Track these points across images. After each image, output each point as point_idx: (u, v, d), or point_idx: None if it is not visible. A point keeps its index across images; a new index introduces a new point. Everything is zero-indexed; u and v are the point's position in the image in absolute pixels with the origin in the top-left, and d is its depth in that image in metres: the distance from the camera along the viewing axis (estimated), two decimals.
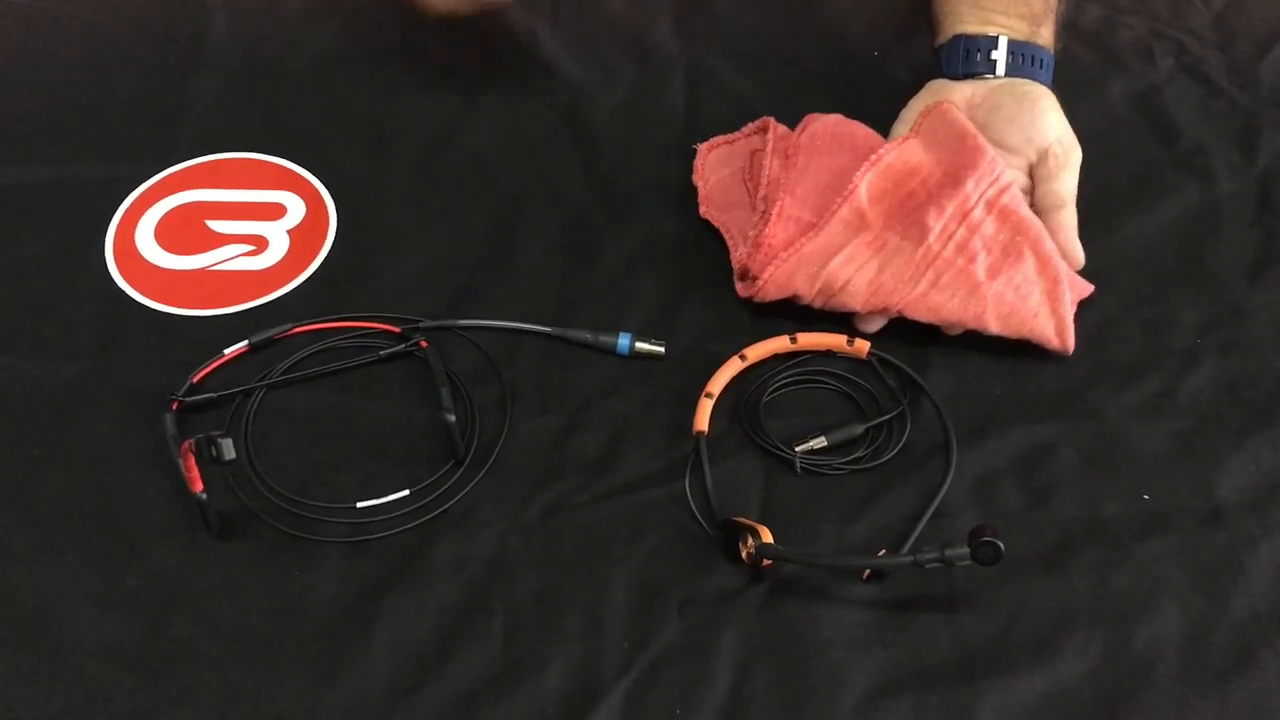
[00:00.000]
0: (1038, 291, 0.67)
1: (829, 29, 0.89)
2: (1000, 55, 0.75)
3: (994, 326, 0.67)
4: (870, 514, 0.63)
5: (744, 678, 0.57)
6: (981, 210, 0.68)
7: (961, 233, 0.67)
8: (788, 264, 0.68)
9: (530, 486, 0.64)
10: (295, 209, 0.76)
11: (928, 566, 0.57)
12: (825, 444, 0.65)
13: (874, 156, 0.70)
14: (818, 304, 0.69)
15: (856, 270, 0.68)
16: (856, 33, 0.89)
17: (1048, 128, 0.73)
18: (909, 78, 0.84)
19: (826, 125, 0.75)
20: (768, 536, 0.59)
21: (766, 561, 0.59)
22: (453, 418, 0.63)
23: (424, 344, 0.68)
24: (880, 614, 0.59)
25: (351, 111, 0.82)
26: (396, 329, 0.69)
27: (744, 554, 0.59)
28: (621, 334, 0.69)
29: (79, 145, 0.80)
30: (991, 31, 0.76)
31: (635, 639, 0.58)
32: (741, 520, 0.60)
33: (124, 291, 0.72)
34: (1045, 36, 0.77)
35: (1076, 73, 0.85)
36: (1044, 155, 0.73)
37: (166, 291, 0.72)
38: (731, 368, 0.67)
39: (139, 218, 0.75)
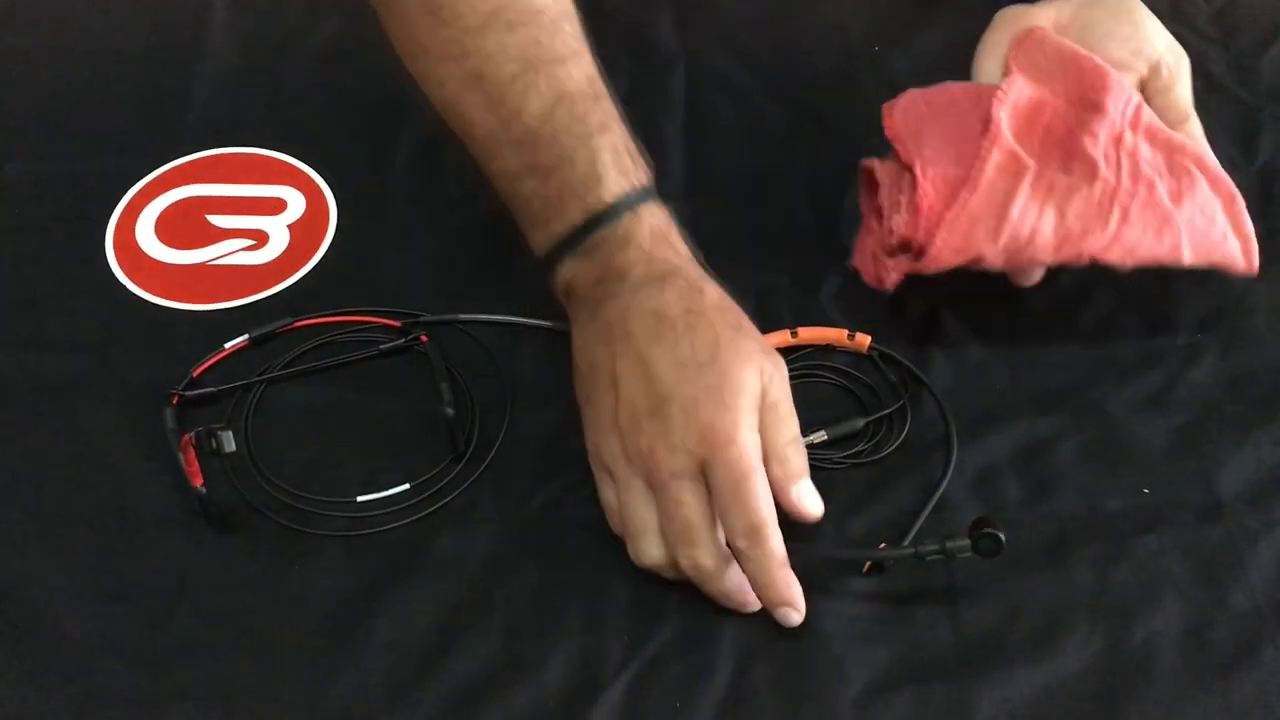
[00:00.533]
0: (1219, 210, 0.65)
1: (830, 25, 0.89)
2: None
3: (1188, 258, 0.64)
4: (869, 509, 0.63)
5: (743, 672, 0.57)
6: (1130, 133, 0.64)
7: (1126, 159, 0.64)
8: (960, 223, 0.63)
9: (531, 482, 0.64)
10: (295, 204, 0.76)
11: (928, 559, 0.57)
12: (825, 438, 0.65)
13: (999, 93, 0.66)
14: (999, 264, 0.64)
15: (1038, 218, 0.63)
16: (858, 29, 0.89)
17: (1154, 36, 0.69)
18: (910, 73, 0.84)
19: (916, 98, 0.70)
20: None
21: None
22: (453, 412, 0.63)
23: (424, 338, 0.68)
24: (880, 608, 0.59)
25: (352, 106, 0.82)
26: (397, 323, 0.69)
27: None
28: None
29: (79, 140, 0.80)
30: None
31: (635, 634, 0.58)
32: None
33: (124, 286, 0.72)
34: None
35: None
36: (1155, 68, 0.68)
37: (166, 286, 0.72)
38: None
39: (139, 212, 0.75)
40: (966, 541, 0.56)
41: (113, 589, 0.59)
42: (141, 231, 0.74)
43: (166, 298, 0.71)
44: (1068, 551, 0.61)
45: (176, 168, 0.78)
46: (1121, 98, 0.65)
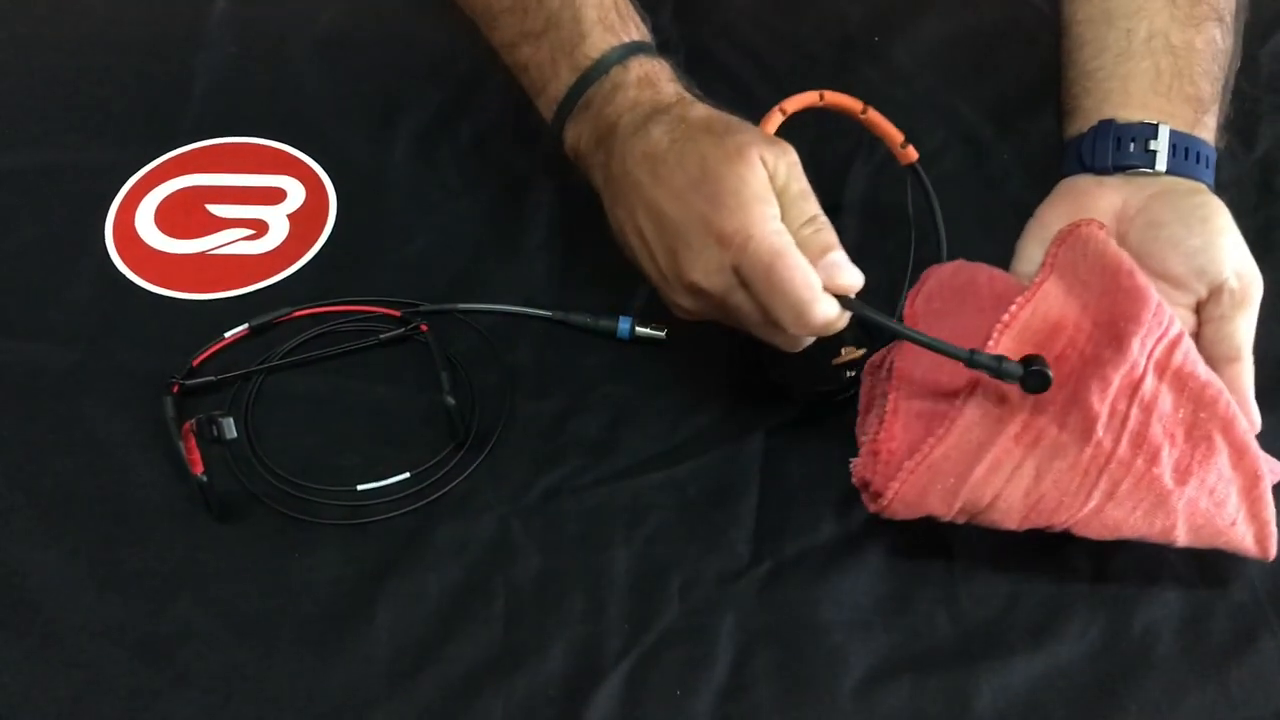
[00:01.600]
0: (1234, 492, 0.56)
1: (830, 14, 0.89)
2: (1161, 147, 0.63)
3: (1183, 540, 0.56)
4: None
5: (744, 660, 0.57)
6: (1153, 379, 0.55)
7: (1136, 416, 0.55)
8: (916, 476, 0.55)
9: (531, 470, 0.64)
10: (295, 193, 0.76)
11: (980, 366, 0.55)
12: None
13: (1006, 315, 0.58)
14: (960, 521, 0.57)
15: (1007, 481, 0.55)
16: (857, 18, 0.89)
17: (1227, 254, 0.59)
18: (910, 64, 0.85)
19: (943, 279, 0.63)
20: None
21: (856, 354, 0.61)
22: (453, 401, 0.63)
23: (424, 328, 0.68)
24: (879, 597, 0.59)
25: (352, 96, 0.82)
26: (397, 313, 0.69)
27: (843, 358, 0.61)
28: (622, 318, 0.69)
29: (79, 129, 0.80)
30: (1149, 118, 0.64)
31: (636, 621, 0.58)
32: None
33: (124, 275, 0.72)
34: (1209, 127, 0.65)
35: None
36: (1217, 292, 0.59)
37: (166, 275, 0.72)
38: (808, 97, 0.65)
39: (139, 202, 0.75)
40: (1020, 368, 0.54)
41: (112, 577, 0.59)
42: (141, 221, 0.74)
43: (166, 287, 0.71)
44: (1067, 540, 0.61)
45: (176, 157, 0.78)
46: (1155, 332, 0.56)
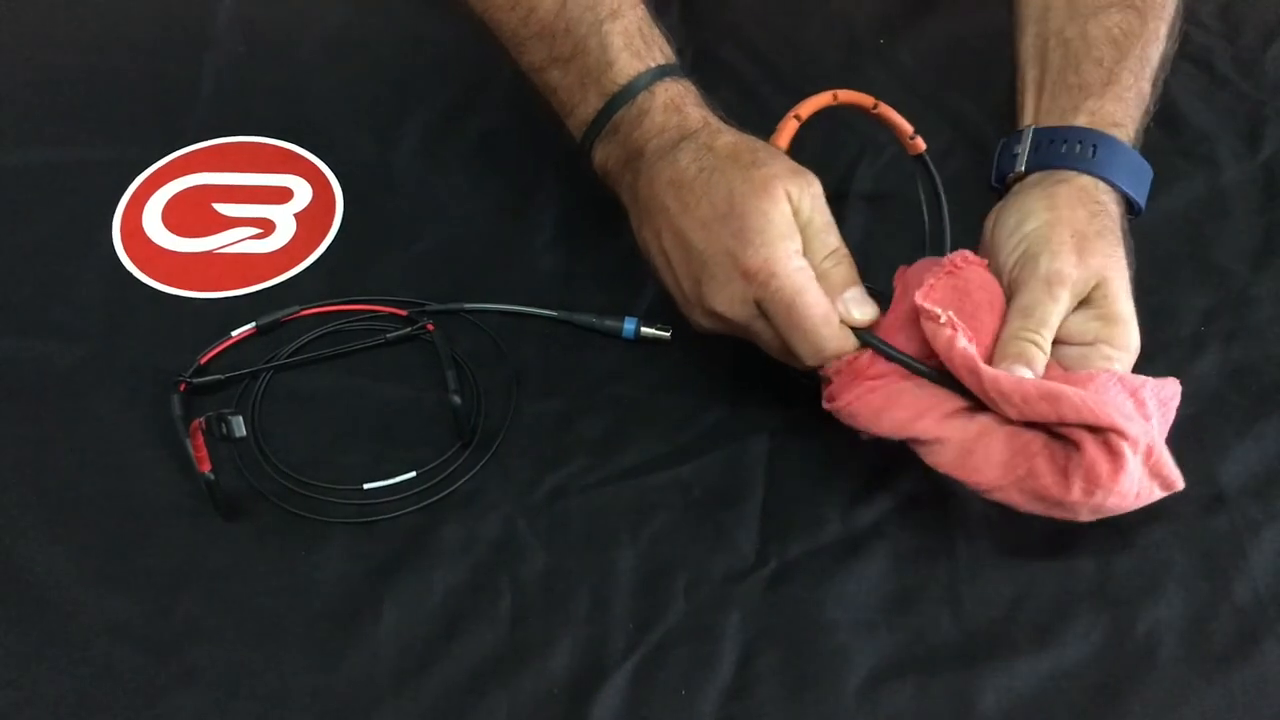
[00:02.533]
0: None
1: (836, 16, 0.89)
2: (1022, 149, 0.67)
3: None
4: (877, 502, 0.63)
5: (749, 659, 0.57)
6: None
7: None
8: (873, 397, 0.59)
9: (536, 469, 0.64)
10: (302, 193, 0.76)
11: None
12: None
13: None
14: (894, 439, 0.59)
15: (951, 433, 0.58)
16: (863, 21, 0.89)
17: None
18: (916, 66, 0.85)
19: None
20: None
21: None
22: (459, 400, 0.63)
23: (430, 327, 0.68)
24: (884, 597, 0.60)
25: (358, 96, 0.82)
26: (403, 312, 0.69)
27: None
28: (628, 318, 0.69)
29: (87, 128, 0.80)
30: (1025, 123, 0.67)
31: (641, 620, 0.58)
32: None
33: (131, 273, 0.72)
34: (1094, 110, 0.66)
35: None
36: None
37: (173, 274, 0.72)
38: (822, 99, 0.65)
39: (146, 200, 0.76)
40: None
41: (119, 574, 0.60)
42: (149, 219, 0.75)
43: (173, 285, 0.71)
44: (1070, 542, 0.61)
45: (184, 156, 0.78)
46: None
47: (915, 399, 0.58)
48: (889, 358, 0.59)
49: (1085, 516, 0.57)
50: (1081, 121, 0.66)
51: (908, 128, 0.68)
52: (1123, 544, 0.61)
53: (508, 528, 0.62)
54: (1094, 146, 0.65)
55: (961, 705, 0.56)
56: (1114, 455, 0.55)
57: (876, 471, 0.64)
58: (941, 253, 0.66)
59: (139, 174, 0.77)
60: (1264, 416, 0.66)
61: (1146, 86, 0.69)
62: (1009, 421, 0.57)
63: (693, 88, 0.66)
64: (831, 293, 0.59)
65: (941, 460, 0.58)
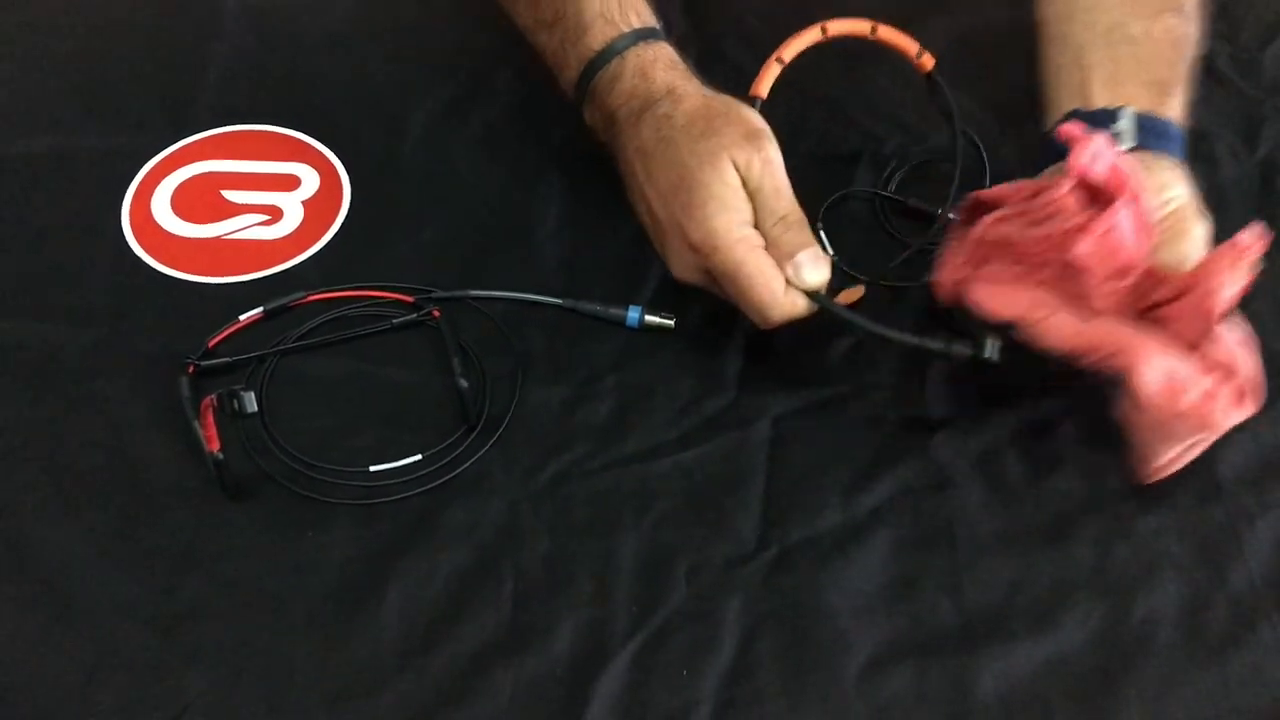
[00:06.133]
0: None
1: (839, 13, 0.89)
2: (1125, 127, 0.66)
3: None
4: (877, 489, 0.63)
5: (749, 643, 0.58)
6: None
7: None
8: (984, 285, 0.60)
9: (540, 454, 0.64)
10: (310, 180, 0.77)
11: (930, 352, 0.61)
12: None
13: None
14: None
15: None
16: (866, 17, 0.89)
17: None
18: (903, 61, 0.85)
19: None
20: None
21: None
22: (466, 384, 0.63)
23: (436, 313, 0.69)
24: (884, 583, 0.60)
25: (366, 85, 0.83)
26: (409, 298, 0.70)
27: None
28: (631, 307, 0.69)
29: (97, 115, 0.80)
30: (1112, 104, 0.66)
31: (643, 604, 0.59)
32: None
33: (140, 259, 0.73)
34: (1174, 109, 0.68)
35: None
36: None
37: (182, 259, 0.73)
38: (810, 35, 0.67)
39: (155, 187, 0.76)
40: (969, 348, 0.60)
41: (126, 554, 0.60)
42: (157, 206, 0.75)
43: (182, 270, 0.72)
44: (1069, 530, 0.62)
45: (192, 144, 0.79)
46: None
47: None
48: (840, 320, 0.62)
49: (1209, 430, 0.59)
50: (1173, 117, 0.67)
51: (913, 46, 0.68)
52: (1120, 532, 0.62)
53: (512, 511, 0.62)
54: (1183, 141, 0.67)
55: (959, 689, 0.57)
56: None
57: (877, 459, 0.64)
58: (955, 164, 0.69)
59: (148, 161, 0.78)
60: (1261, 410, 0.67)
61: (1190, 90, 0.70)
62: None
63: (667, 49, 0.67)
64: (781, 258, 0.61)
65: (1061, 334, 0.58)
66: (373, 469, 0.63)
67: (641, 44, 0.66)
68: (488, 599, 0.59)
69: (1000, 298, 0.60)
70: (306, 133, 0.80)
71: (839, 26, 0.66)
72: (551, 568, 0.60)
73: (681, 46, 0.85)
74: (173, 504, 0.62)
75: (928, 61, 0.69)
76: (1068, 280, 0.59)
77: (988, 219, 0.61)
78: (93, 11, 0.87)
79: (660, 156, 0.62)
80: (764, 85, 0.65)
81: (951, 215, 0.70)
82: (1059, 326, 0.58)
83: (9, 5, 0.87)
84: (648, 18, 0.68)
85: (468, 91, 0.82)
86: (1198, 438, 0.60)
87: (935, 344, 0.61)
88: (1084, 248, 0.58)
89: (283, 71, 0.84)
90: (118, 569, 0.60)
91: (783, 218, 0.62)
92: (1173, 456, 0.60)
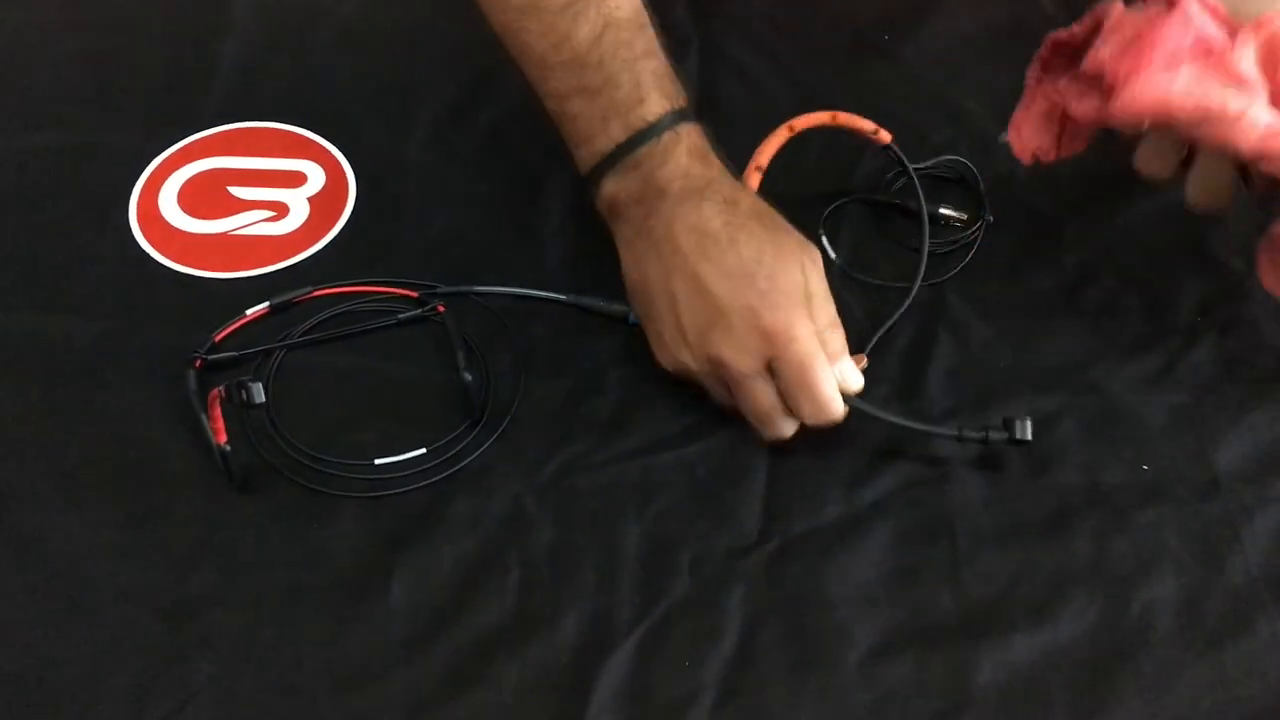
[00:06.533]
0: None
1: (841, 12, 0.90)
2: None
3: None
4: (879, 483, 0.64)
5: (752, 633, 0.58)
6: None
7: None
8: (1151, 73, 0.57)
9: (544, 448, 0.65)
10: (315, 177, 0.78)
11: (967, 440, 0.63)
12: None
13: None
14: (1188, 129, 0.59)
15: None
16: (868, 17, 0.90)
17: None
18: (920, 61, 0.86)
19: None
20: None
21: None
22: (470, 378, 0.64)
23: (441, 309, 0.69)
24: (884, 575, 0.61)
25: (372, 83, 0.83)
26: (414, 294, 0.71)
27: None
28: None
29: (105, 112, 0.81)
30: None
31: (646, 594, 0.60)
32: None
33: (148, 254, 0.73)
34: None
35: None
36: None
37: (189, 254, 0.73)
38: (780, 136, 0.69)
39: (163, 182, 0.77)
40: (1004, 434, 0.63)
41: (135, 544, 0.61)
42: (165, 201, 0.76)
43: (189, 265, 0.73)
44: (1068, 523, 0.62)
45: (199, 140, 0.79)
46: None
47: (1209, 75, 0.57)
48: (880, 419, 0.64)
49: None
50: None
51: (868, 126, 0.72)
52: (1118, 527, 0.62)
53: (516, 504, 0.63)
54: None
55: (959, 679, 0.57)
56: None
57: (878, 452, 0.65)
58: (923, 242, 0.71)
59: (156, 157, 0.78)
60: (1257, 405, 0.67)
61: None
62: None
63: (709, 138, 0.68)
64: (830, 360, 0.63)
65: (1253, 136, 0.57)
66: (378, 462, 0.64)
67: (689, 124, 0.67)
68: (492, 589, 0.60)
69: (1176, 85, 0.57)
70: (313, 130, 0.80)
71: (804, 122, 0.70)
72: (555, 559, 0.61)
73: (683, 45, 0.86)
74: (181, 495, 0.63)
75: (885, 136, 0.71)
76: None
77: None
78: (102, 8, 0.88)
79: (729, 238, 0.63)
80: (752, 189, 0.68)
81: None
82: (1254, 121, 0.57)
83: (19, 2, 0.88)
84: (688, 104, 0.69)
85: (473, 90, 0.83)
86: None
87: (974, 434, 0.63)
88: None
89: (290, 69, 0.84)
90: (127, 559, 0.60)
91: (831, 320, 0.64)
92: None
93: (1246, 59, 0.58)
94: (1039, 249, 0.74)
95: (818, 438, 0.64)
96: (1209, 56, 0.58)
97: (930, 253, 0.72)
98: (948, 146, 0.80)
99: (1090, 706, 0.56)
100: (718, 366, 0.63)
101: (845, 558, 0.61)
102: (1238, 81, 0.58)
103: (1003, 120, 0.82)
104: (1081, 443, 0.65)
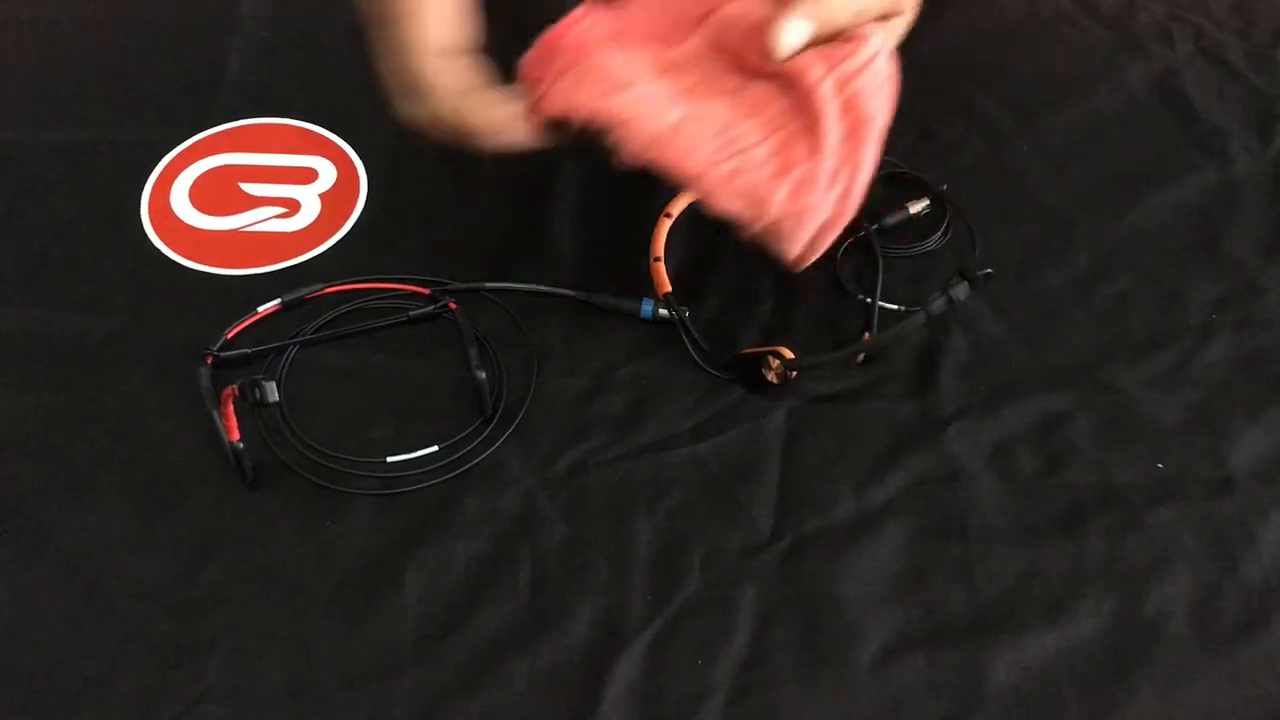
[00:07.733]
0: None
1: None
2: None
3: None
4: (891, 481, 0.64)
5: (764, 631, 0.58)
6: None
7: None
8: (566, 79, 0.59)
9: (556, 444, 0.65)
10: (327, 173, 0.78)
11: (938, 312, 0.63)
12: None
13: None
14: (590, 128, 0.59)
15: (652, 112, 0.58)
16: None
17: None
18: (931, 56, 0.85)
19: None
20: (789, 354, 0.64)
21: (795, 373, 0.65)
22: (483, 374, 0.64)
23: (453, 305, 0.69)
24: (897, 573, 0.61)
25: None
26: (426, 291, 0.71)
27: (773, 375, 0.64)
28: (645, 299, 0.70)
29: (116, 108, 0.81)
30: None
31: (658, 592, 0.60)
32: (752, 350, 0.65)
33: (159, 250, 0.73)
34: None
35: (1096, 54, 0.86)
36: None
37: (200, 251, 0.73)
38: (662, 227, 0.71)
39: (174, 179, 0.77)
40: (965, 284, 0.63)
41: (147, 541, 0.61)
42: (176, 198, 0.76)
43: (200, 262, 0.73)
44: (1081, 522, 0.62)
45: (210, 137, 0.79)
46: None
47: (609, 75, 0.59)
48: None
49: (779, 228, 0.57)
50: None
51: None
52: (1132, 525, 0.62)
53: (528, 501, 0.63)
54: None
55: (972, 679, 0.57)
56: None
57: (891, 451, 0.65)
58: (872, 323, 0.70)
59: (167, 153, 0.78)
60: (1273, 403, 0.67)
61: None
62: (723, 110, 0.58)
63: None
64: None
65: (638, 143, 0.57)
66: (390, 459, 0.64)
67: None
68: (504, 587, 0.60)
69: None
70: (324, 126, 0.80)
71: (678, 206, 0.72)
72: (568, 556, 0.61)
73: None
74: (193, 492, 0.63)
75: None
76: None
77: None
78: (113, 6, 0.88)
79: None
80: (659, 240, 0.70)
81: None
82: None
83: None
84: None
85: None
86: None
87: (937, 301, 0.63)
88: None
89: (301, 66, 0.84)
90: (139, 556, 0.60)
91: None
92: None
93: None
94: (1051, 246, 0.74)
95: (829, 437, 0.64)
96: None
97: (926, 253, 0.73)
98: (959, 141, 0.80)
99: (1104, 706, 0.56)
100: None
101: (857, 556, 0.61)
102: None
103: (1016, 115, 0.82)
104: (1094, 441, 0.65)
